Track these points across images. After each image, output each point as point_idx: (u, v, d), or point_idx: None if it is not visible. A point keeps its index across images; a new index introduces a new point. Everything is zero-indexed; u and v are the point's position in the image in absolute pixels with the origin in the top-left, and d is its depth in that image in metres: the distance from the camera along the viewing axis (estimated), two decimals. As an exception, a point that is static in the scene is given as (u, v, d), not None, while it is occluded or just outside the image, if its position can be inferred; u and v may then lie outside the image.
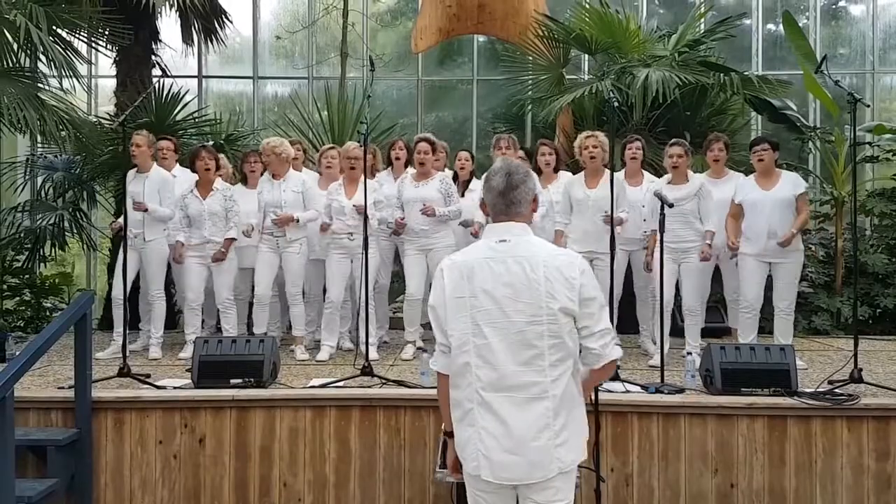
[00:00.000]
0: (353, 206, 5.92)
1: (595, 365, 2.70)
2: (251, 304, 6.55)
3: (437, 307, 2.74)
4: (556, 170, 6.51)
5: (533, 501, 2.67)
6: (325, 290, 6.38)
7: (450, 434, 2.81)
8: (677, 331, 6.15)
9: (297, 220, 6.08)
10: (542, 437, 2.61)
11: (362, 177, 6.02)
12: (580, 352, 2.70)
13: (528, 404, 2.62)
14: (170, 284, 7.17)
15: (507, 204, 2.72)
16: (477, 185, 6.36)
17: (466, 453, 2.69)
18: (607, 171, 5.92)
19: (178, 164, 6.76)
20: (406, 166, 6.60)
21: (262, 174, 6.47)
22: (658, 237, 5.46)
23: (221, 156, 6.83)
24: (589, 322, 2.64)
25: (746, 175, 6.07)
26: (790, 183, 5.74)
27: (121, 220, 6.09)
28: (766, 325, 6.03)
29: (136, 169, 6.23)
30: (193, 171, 6.33)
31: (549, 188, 6.27)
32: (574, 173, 6.35)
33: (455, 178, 6.64)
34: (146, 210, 6.06)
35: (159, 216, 6.17)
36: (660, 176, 6.41)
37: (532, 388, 2.62)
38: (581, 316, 2.63)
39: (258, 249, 6.22)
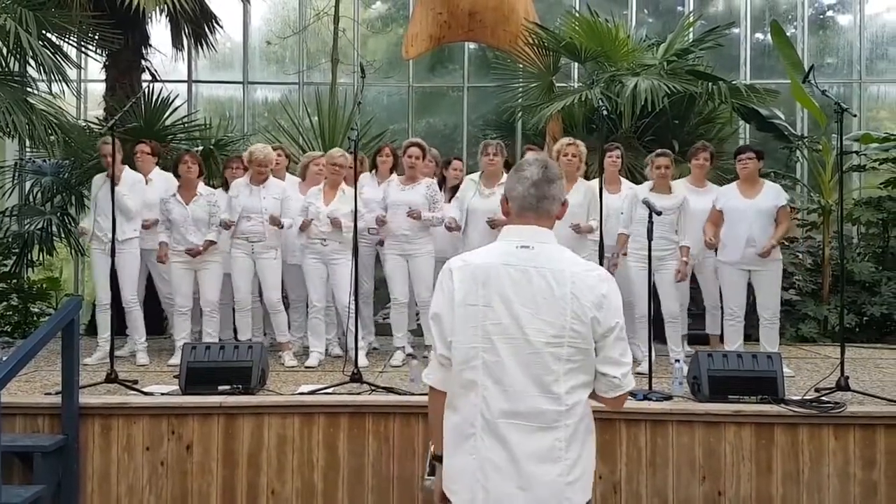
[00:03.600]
0: (329, 218, 5.94)
1: (609, 394, 2.37)
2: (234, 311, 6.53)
3: (443, 314, 2.37)
4: None
5: None
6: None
7: (439, 458, 2.46)
8: (664, 338, 6.17)
9: (282, 226, 6.07)
10: (553, 471, 2.28)
11: (343, 184, 6.04)
12: (594, 378, 2.39)
13: (538, 433, 2.29)
14: (153, 289, 7.12)
15: (538, 198, 2.37)
16: (468, 187, 6.24)
17: (459, 486, 2.34)
18: (581, 179, 6.01)
19: (157, 168, 6.73)
20: (391, 172, 6.62)
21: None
22: (627, 242, 5.52)
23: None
24: (611, 348, 2.33)
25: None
26: (773, 193, 5.84)
27: (86, 224, 6.13)
28: (752, 332, 6.06)
29: (105, 174, 6.17)
30: (177, 175, 6.32)
31: None
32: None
33: (442, 182, 6.65)
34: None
35: (126, 208, 6.16)
36: (638, 183, 6.43)
37: (545, 417, 2.29)
38: (604, 340, 2.31)
39: (231, 255, 6.19)
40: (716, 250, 6.02)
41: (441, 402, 2.43)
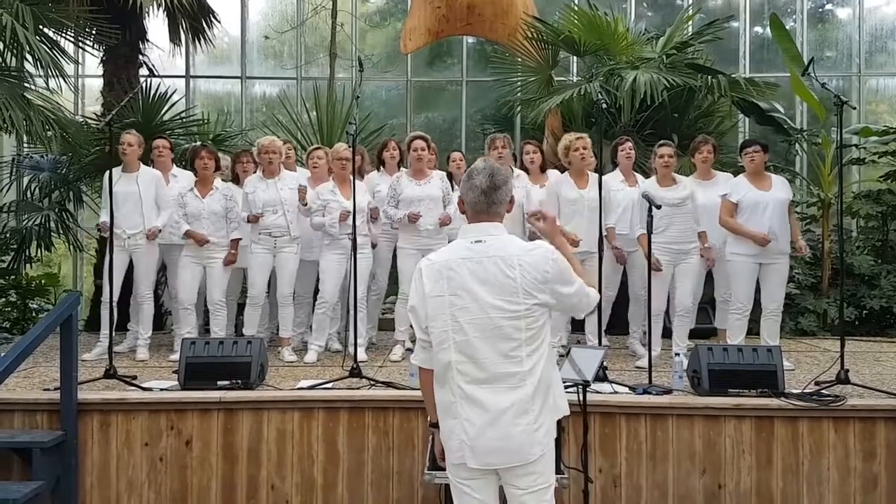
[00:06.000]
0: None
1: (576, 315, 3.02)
2: (240, 305, 6.50)
3: (417, 307, 2.85)
4: (542, 169, 6.53)
5: (516, 488, 2.78)
6: (316, 291, 6.35)
7: (435, 425, 2.94)
8: (666, 332, 6.16)
9: (308, 206, 6.03)
10: (523, 422, 2.73)
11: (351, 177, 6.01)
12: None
13: (508, 392, 2.74)
14: (157, 285, 7.13)
15: (489, 203, 2.82)
16: None
17: (451, 444, 2.80)
18: (592, 174, 5.98)
19: (174, 165, 6.74)
20: (399, 166, 6.59)
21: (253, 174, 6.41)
22: (647, 239, 5.47)
23: (221, 154, 6.82)
24: (568, 301, 2.83)
25: (735, 176, 6.10)
26: (783, 186, 5.84)
27: (105, 219, 6.07)
28: (753, 326, 6.05)
29: (120, 168, 6.19)
30: (193, 170, 6.30)
31: (543, 187, 6.28)
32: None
33: (450, 178, 6.63)
34: (159, 231, 6.15)
35: (166, 224, 6.23)
36: (647, 177, 6.42)
37: (511, 379, 2.74)
38: (560, 302, 2.80)
39: (251, 251, 6.15)
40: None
41: (428, 378, 2.90)
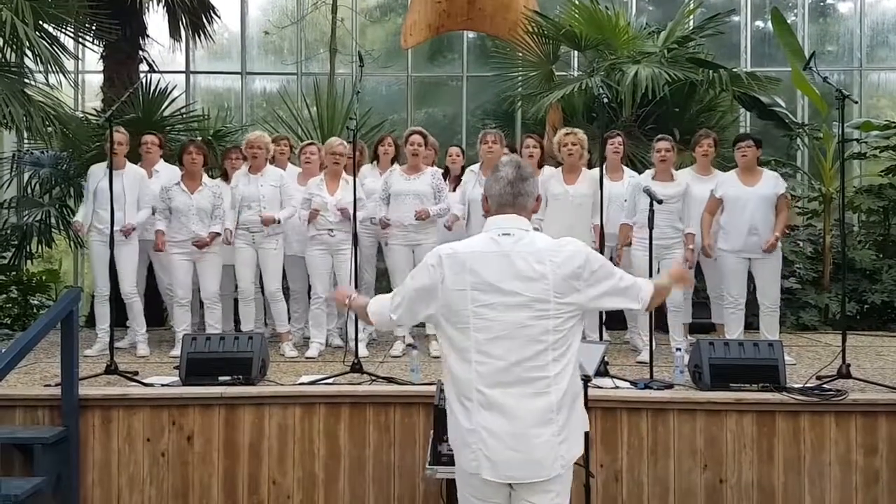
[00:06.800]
0: (339, 209, 5.89)
1: (642, 312, 2.74)
2: (236, 301, 6.51)
3: (428, 287, 2.63)
4: (540, 164, 6.52)
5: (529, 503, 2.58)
6: (310, 287, 6.35)
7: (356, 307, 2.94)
8: (666, 326, 6.16)
9: (279, 221, 6.03)
10: (546, 432, 2.53)
11: (344, 173, 6.01)
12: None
13: (531, 399, 2.53)
14: (155, 282, 7.11)
15: (514, 195, 2.64)
16: (468, 178, 6.38)
17: (465, 453, 2.61)
18: (585, 169, 5.96)
19: (162, 160, 6.73)
20: (393, 162, 6.58)
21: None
22: (633, 232, 5.47)
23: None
24: (612, 299, 2.66)
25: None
26: (772, 181, 5.82)
27: (79, 218, 6.11)
28: (753, 321, 6.05)
29: (104, 164, 6.16)
30: (182, 165, 6.29)
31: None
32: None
33: (446, 173, 6.62)
34: (133, 230, 6.08)
35: (143, 222, 6.20)
36: (639, 172, 6.40)
37: (537, 384, 2.54)
38: (599, 300, 2.63)
39: (234, 246, 6.15)
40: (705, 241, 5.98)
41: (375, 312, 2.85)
